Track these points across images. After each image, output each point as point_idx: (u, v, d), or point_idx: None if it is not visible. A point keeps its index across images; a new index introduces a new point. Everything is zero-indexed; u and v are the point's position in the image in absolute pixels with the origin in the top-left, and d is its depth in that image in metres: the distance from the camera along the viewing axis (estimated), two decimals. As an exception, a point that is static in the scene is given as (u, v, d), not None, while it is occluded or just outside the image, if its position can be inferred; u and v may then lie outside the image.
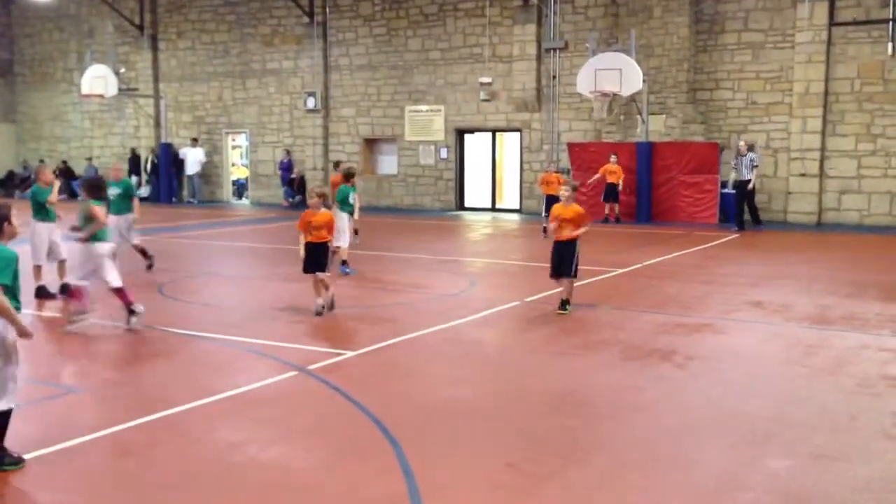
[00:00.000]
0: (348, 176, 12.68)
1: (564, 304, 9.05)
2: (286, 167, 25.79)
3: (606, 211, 19.95)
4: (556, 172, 18.01)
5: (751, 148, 18.23)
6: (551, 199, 16.33)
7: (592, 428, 5.45)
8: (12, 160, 31.34)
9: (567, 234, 8.94)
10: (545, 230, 16.99)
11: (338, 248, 11.33)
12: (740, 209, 18.24)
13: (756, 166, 18.00)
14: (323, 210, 8.95)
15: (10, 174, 30.68)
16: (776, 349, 7.58)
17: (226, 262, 13.67)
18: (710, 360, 7.18)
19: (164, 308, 9.46)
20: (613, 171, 19.73)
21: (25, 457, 4.73)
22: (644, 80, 19.13)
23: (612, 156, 19.90)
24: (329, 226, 8.98)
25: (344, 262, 11.82)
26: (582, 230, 9.00)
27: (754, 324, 8.66)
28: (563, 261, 9.00)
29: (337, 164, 15.85)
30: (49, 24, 30.21)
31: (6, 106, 31.28)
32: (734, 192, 18.41)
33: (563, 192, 9.22)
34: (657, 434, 5.31)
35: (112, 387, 6.33)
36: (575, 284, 9.08)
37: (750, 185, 17.95)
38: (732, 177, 18.44)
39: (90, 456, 4.88)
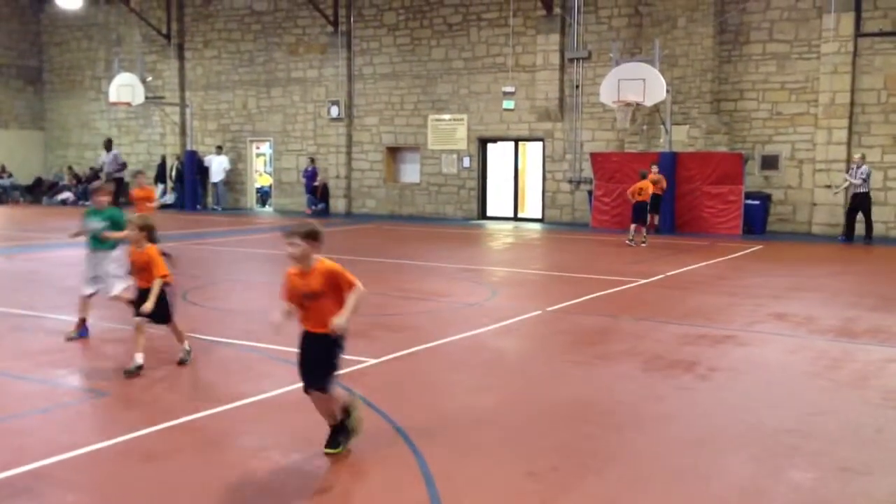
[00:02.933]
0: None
1: (335, 435, 5.07)
2: (310, 175, 25.95)
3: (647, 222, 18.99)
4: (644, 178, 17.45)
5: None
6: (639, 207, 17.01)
7: (614, 438, 5.44)
8: (40, 167, 31.78)
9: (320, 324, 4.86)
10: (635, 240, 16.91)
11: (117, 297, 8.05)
12: (851, 220, 18.32)
13: (865, 179, 18.04)
14: (147, 245, 6.98)
15: (39, 181, 31.09)
16: (800, 361, 7.52)
17: (249, 269, 13.77)
18: (733, 371, 7.13)
19: (188, 314, 9.54)
20: (657, 181, 18.73)
21: (51, 460, 4.80)
22: (668, 91, 19.09)
23: (654, 165, 18.75)
24: (152, 264, 6.90)
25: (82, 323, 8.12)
26: (347, 312, 4.83)
27: (778, 336, 8.59)
28: (313, 363, 4.99)
29: (136, 174, 12.65)
30: (78, 32, 30.65)
31: (35, 113, 31.75)
32: (850, 204, 18.43)
33: (290, 248, 4.86)
34: (679, 445, 5.28)
35: (137, 391, 6.40)
36: (591, 296, 8.85)
37: (855, 191, 18.17)
38: (844, 187, 18.48)
39: (115, 460, 4.94)
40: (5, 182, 29.85)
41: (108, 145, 20.20)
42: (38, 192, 30.62)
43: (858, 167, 18.00)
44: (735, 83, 20.53)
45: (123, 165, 20.11)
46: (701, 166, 19.86)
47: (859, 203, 18.13)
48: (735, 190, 19.63)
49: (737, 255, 15.70)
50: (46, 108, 31.85)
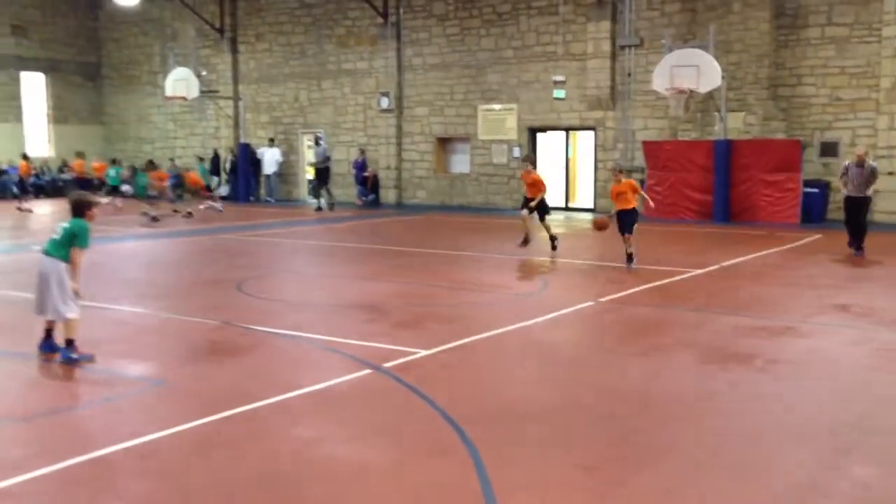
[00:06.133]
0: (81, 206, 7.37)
1: None
2: (360, 166, 26.09)
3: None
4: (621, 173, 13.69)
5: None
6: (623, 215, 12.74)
7: (668, 431, 5.37)
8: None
9: None
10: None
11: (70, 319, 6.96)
12: (859, 229, 13.91)
13: (871, 177, 13.84)
14: None
15: (98, 174, 31.79)
16: (862, 354, 7.33)
17: (302, 260, 13.92)
18: (792, 364, 6.99)
19: (243, 305, 9.69)
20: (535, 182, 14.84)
21: (115, 448, 4.92)
22: (723, 77, 18.72)
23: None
24: None
25: (69, 343, 6.94)
26: None
27: (839, 327, 8.39)
28: None
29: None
30: (134, 28, 31.25)
31: (94, 108, 32.47)
32: (845, 209, 14.07)
33: None
34: (736, 438, 5.20)
35: (194, 381, 6.52)
36: (644, 287, 8.74)
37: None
38: (843, 191, 13.98)
39: (174, 449, 5.04)
40: (67, 177, 30.57)
41: (318, 141, 24.87)
42: (92, 186, 31.27)
43: (858, 165, 13.71)
44: (792, 68, 20.03)
45: (328, 158, 24.37)
46: (757, 154, 19.45)
47: (862, 207, 13.90)
48: (793, 178, 19.18)
49: (795, 244, 15.35)
50: (105, 103, 32.55)
